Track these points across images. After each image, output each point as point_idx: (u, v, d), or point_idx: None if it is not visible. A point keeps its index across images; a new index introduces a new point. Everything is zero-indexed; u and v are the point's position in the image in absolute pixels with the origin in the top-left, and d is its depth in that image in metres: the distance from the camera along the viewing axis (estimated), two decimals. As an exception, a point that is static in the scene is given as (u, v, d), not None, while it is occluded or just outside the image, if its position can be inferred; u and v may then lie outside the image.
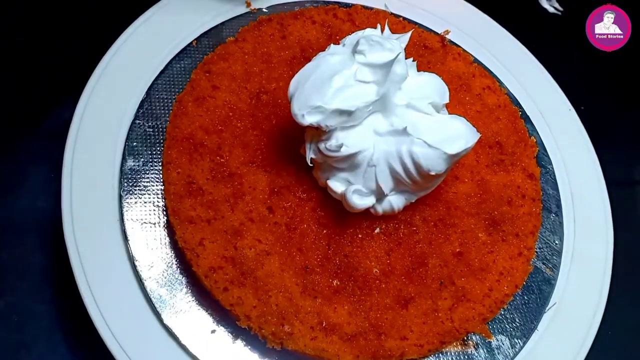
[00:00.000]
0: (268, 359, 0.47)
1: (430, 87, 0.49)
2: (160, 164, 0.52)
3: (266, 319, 0.46)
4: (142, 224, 0.50)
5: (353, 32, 0.50)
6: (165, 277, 0.48)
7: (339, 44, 0.50)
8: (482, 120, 0.59)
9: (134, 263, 0.48)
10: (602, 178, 0.63)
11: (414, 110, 0.47)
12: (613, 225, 0.60)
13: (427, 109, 0.48)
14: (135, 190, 0.51)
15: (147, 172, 0.52)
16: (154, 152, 0.53)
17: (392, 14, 0.65)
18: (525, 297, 0.53)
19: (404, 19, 0.65)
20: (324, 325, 0.46)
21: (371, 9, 0.64)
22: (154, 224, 0.50)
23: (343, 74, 0.46)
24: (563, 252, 0.57)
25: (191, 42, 0.59)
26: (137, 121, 0.54)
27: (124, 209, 0.50)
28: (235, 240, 0.48)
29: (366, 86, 0.46)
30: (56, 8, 0.70)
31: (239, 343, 0.47)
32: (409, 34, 0.50)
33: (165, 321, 0.46)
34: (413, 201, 0.50)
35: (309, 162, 0.48)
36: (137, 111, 0.54)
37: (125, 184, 0.51)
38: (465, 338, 0.50)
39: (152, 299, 0.47)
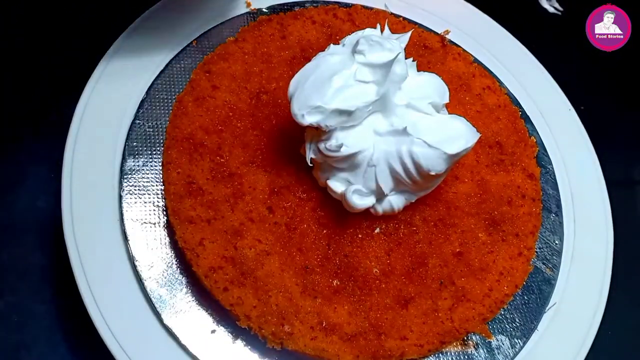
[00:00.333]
0: (268, 359, 0.47)
1: (430, 87, 0.49)
2: (160, 164, 0.52)
3: (266, 319, 0.46)
4: (142, 224, 0.50)
5: (353, 32, 0.50)
6: (165, 277, 0.48)
7: (338, 44, 0.50)
8: (482, 120, 0.59)
9: (134, 263, 0.48)
10: (602, 178, 0.63)
11: (414, 110, 0.47)
12: (613, 225, 0.60)
13: (427, 109, 0.48)
14: (135, 190, 0.51)
15: (147, 172, 0.52)
16: (154, 152, 0.53)
17: (392, 14, 0.65)
18: (525, 297, 0.53)
19: (404, 19, 0.65)
20: (324, 325, 0.46)
21: (371, 9, 0.64)
22: (154, 224, 0.50)
23: (343, 74, 0.46)
24: (563, 252, 0.57)
25: (191, 42, 0.59)
26: (137, 121, 0.54)
27: (124, 209, 0.50)
28: (235, 240, 0.48)
29: (366, 86, 0.46)
30: (56, 8, 0.70)
31: (239, 343, 0.47)
32: (408, 34, 0.50)
33: (165, 321, 0.46)
34: (413, 201, 0.50)
35: (309, 162, 0.48)
36: (137, 111, 0.54)
37: (125, 184, 0.51)
38: (465, 338, 0.50)
39: (152, 299, 0.47)
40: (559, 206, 0.59)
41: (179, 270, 0.49)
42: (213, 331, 0.47)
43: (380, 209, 0.49)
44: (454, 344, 0.50)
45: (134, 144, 0.53)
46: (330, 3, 0.64)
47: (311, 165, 0.49)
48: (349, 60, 0.46)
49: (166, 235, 0.50)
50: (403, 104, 0.47)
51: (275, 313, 0.46)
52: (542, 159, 0.61)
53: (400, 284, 0.49)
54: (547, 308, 0.54)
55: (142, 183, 0.51)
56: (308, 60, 0.49)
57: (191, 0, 0.61)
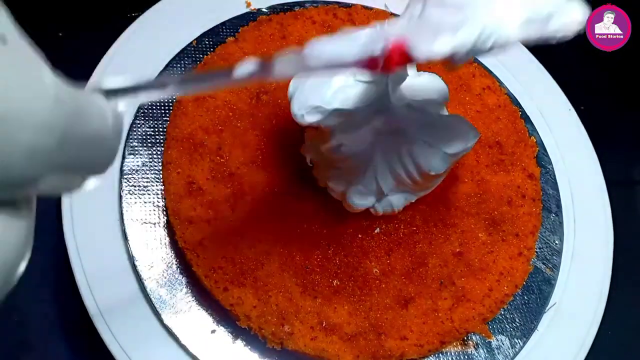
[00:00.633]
0: (268, 359, 0.47)
1: (430, 87, 0.49)
2: (160, 164, 0.52)
3: (266, 319, 0.46)
4: (142, 224, 0.50)
5: (353, 32, 0.50)
6: (165, 277, 0.48)
7: (339, 44, 0.50)
8: (482, 120, 0.59)
9: (134, 263, 0.48)
10: (602, 178, 0.63)
11: (414, 110, 0.47)
12: (613, 225, 0.60)
13: (427, 108, 0.48)
14: (135, 190, 0.51)
15: (147, 172, 0.52)
16: (154, 152, 0.53)
17: (392, 14, 0.65)
18: (525, 297, 0.53)
19: (404, 19, 0.65)
20: (324, 325, 0.46)
21: (371, 9, 0.64)
22: (154, 224, 0.50)
23: (343, 74, 0.46)
24: (563, 252, 0.57)
25: (191, 42, 0.59)
26: (137, 121, 0.54)
27: (124, 209, 0.50)
28: (235, 240, 0.48)
29: (366, 86, 0.46)
30: (56, 7, 0.70)
31: (239, 343, 0.47)
32: (409, 34, 0.50)
33: (165, 321, 0.46)
34: (413, 201, 0.50)
35: (309, 162, 0.48)
36: (137, 111, 0.54)
37: (125, 184, 0.51)
38: (465, 338, 0.50)
39: (152, 299, 0.47)
40: (559, 206, 0.59)
41: (179, 270, 0.49)
42: (213, 331, 0.47)
43: (380, 209, 0.49)
44: (454, 344, 0.50)
45: (134, 144, 0.53)
46: (330, 3, 0.64)
47: (311, 165, 0.49)
48: (349, 60, 0.46)
49: (166, 235, 0.50)
50: (403, 104, 0.47)
51: (275, 313, 0.46)
52: (542, 159, 0.61)
53: (400, 284, 0.49)
54: (547, 308, 0.54)
55: (142, 183, 0.51)
56: (308, 60, 0.49)
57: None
